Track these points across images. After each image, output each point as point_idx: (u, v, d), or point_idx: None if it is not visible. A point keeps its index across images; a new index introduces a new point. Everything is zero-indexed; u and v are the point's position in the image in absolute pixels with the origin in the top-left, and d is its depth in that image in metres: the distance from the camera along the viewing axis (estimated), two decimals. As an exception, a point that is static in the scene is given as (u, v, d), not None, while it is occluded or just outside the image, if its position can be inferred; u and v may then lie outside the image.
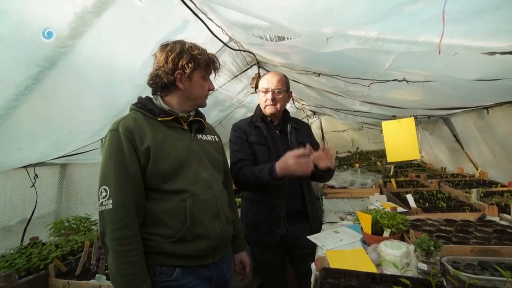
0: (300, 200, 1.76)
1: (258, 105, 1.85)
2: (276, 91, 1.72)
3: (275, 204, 1.67)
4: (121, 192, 1.04)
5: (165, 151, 1.12)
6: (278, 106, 1.73)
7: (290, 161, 1.40)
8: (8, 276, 1.25)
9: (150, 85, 1.22)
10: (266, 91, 1.74)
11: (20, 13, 1.04)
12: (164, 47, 1.19)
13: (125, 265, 1.01)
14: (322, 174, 1.65)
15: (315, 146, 1.94)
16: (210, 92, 1.31)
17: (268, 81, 1.74)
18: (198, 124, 1.30)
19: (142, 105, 1.19)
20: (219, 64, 1.28)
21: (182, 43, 1.19)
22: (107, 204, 1.03)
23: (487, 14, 0.92)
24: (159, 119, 1.16)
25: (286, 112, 1.87)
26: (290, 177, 1.52)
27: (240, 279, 1.45)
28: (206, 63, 1.22)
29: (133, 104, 1.21)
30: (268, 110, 1.76)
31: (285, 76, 1.80)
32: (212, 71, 1.27)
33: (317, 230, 1.74)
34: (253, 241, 1.75)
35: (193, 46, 1.20)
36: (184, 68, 1.16)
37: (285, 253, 1.81)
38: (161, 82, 1.17)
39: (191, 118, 1.27)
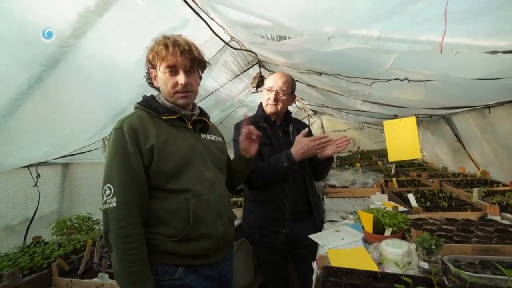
0: (305, 200, 1.77)
1: (260, 104, 1.86)
2: (280, 91, 1.72)
3: (280, 204, 1.68)
4: (125, 190, 1.04)
5: (169, 150, 1.12)
6: (279, 106, 1.74)
7: (308, 143, 1.55)
8: (11, 274, 1.26)
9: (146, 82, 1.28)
10: (270, 90, 1.75)
11: (23, 12, 1.05)
12: None
13: (128, 263, 1.01)
14: (323, 163, 1.75)
15: None
16: (181, 86, 1.14)
17: (274, 81, 1.74)
18: (202, 124, 1.30)
19: (147, 104, 1.20)
20: (177, 44, 1.10)
21: (158, 38, 1.15)
22: (111, 202, 1.03)
23: (490, 13, 0.92)
24: (163, 117, 1.16)
25: (288, 113, 1.88)
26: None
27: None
28: (163, 54, 1.10)
29: (138, 103, 1.22)
30: (268, 109, 1.76)
31: (292, 79, 1.80)
32: (171, 57, 1.09)
33: (320, 229, 1.75)
34: (256, 241, 1.76)
35: (161, 39, 1.12)
36: (152, 65, 1.18)
37: (287, 252, 1.81)
38: (147, 80, 1.24)
39: (194, 117, 1.27)
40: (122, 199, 1.03)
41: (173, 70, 1.13)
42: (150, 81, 1.24)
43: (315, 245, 1.51)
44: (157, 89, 1.25)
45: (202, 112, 1.33)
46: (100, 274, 1.38)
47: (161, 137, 1.12)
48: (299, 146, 1.58)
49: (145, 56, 1.20)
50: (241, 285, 2.49)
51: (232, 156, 1.58)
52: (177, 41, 1.11)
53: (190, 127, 1.25)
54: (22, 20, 1.06)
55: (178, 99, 1.18)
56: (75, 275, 1.44)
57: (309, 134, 1.98)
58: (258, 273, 2.67)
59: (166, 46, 1.09)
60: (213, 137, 1.35)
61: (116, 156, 1.06)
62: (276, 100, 1.72)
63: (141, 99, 1.25)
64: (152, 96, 1.25)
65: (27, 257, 1.49)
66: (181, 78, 1.13)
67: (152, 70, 1.19)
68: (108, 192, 1.04)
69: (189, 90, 1.18)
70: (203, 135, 1.30)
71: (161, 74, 1.15)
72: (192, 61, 1.15)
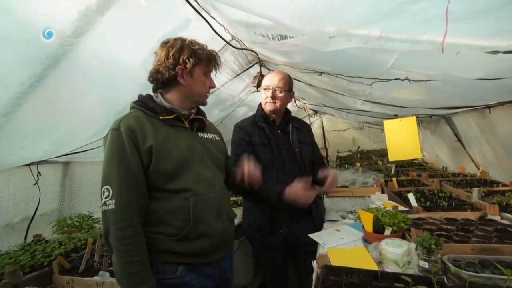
0: None
1: (260, 103, 1.86)
2: (276, 89, 1.72)
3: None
4: (124, 192, 1.04)
5: (168, 150, 1.12)
6: (278, 104, 1.74)
7: (300, 194, 1.49)
8: (12, 272, 1.26)
9: (151, 81, 1.21)
10: (267, 89, 1.75)
11: (25, 11, 1.05)
12: (164, 43, 1.18)
13: (129, 265, 1.01)
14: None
15: (314, 147, 1.95)
16: (211, 90, 1.30)
17: (270, 79, 1.76)
18: (199, 123, 1.29)
19: (143, 103, 1.18)
20: (219, 61, 1.27)
21: (182, 39, 1.19)
22: (110, 204, 1.03)
23: (490, 14, 0.92)
24: (161, 117, 1.15)
25: (287, 111, 1.88)
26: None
27: None
28: (208, 59, 1.21)
29: (134, 102, 1.20)
30: (268, 107, 1.77)
31: (288, 76, 1.80)
32: (213, 68, 1.26)
33: (320, 228, 1.75)
34: (255, 241, 1.76)
35: (194, 42, 1.20)
36: (185, 63, 1.15)
37: (287, 252, 1.82)
38: (162, 78, 1.16)
39: (192, 116, 1.26)
40: (120, 201, 1.03)
41: (208, 75, 1.26)
42: (173, 76, 1.15)
43: (315, 244, 1.52)
44: (175, 84, 1.18)
45: (199, 111, 1.33)
46: (100, 272, 1.39)
47: (159, 138, 1.11)
48: (293, 194, 1.48)
49: (149, 55, 1.21)
50: (240, 284, 2.50)
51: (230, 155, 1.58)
52: (212, 50, 1.25)
53: (188, 126, 1.24)
54: (24, 19, 1.06)
55: (206, 99, 1.30)
56: (75, 273, 1.44)
57: (310, 133, 1.97)
58: (257, 272, 2.68)
59: (209, 54, 1.22)
60: (210, 136, 1.34)
61: (114, 157, 1.05)
62: (273, 97, 1.73)
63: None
64: (149, 96, 1.23)
65: (28, 255, 1.49)
66: (213, 82, 1.28)
67: (179, 66, 1.15)
68: (106, 194, 1.04)
69: None
70: (200, 134, 1.29)
71: (199, 75, 1.21)
72: None
